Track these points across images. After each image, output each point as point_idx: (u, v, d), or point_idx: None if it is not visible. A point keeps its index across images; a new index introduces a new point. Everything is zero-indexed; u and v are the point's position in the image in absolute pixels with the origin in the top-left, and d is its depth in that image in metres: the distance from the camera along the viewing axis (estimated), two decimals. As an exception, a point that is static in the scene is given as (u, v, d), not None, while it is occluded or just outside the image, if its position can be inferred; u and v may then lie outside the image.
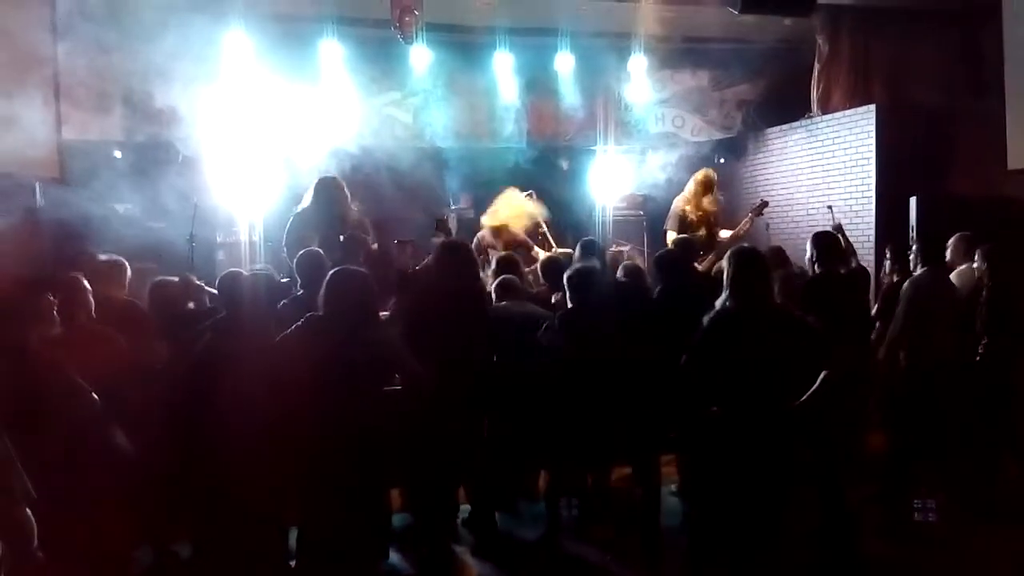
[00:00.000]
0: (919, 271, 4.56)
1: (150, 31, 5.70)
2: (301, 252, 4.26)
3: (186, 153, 6.37)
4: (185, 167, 6.35)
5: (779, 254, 5.29)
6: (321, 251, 4.30)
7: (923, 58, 7.37)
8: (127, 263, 3.93)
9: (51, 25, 5.05)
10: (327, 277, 3.19)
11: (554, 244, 6.82)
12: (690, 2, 6.68)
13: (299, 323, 3.18)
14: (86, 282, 3.39)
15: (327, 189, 5.39)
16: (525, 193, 6.70)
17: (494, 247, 6.35)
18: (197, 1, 6.16)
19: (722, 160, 8.80)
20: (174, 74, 5.95)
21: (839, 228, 5.66)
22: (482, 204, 7.89)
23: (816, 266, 4.45)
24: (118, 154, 6.15)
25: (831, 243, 4.54)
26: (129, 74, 6.09)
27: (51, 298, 2.97)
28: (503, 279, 4.35)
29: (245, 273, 3.71)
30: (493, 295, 4.41)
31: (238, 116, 6.60)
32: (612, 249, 8.30)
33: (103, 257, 3.87)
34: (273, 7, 6.61)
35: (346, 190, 5.49)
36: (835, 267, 4.51)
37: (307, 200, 5.45)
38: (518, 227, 6.46)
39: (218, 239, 6.84)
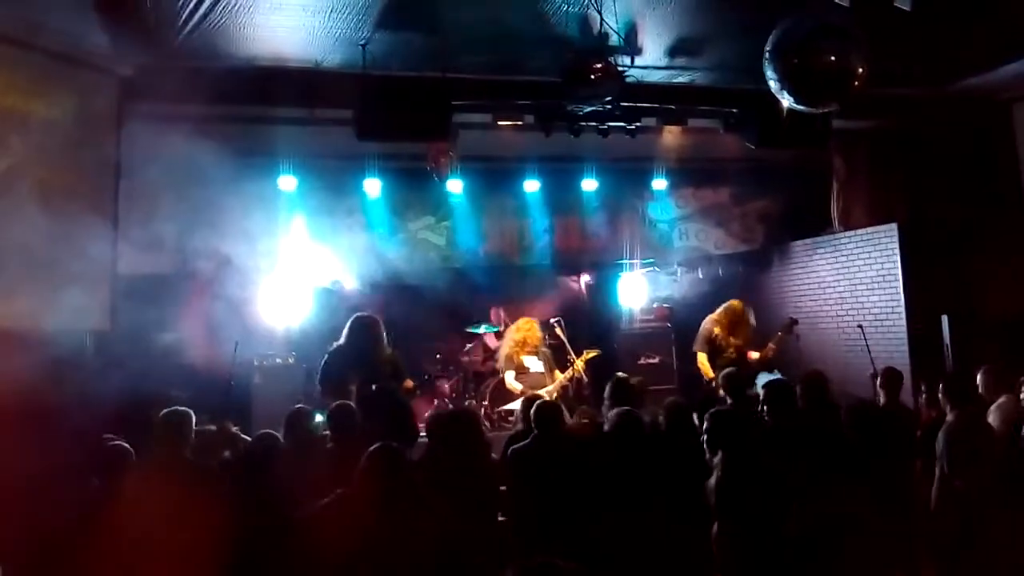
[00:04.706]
0: (949, 416, 4.50)
1: (203, 172, 6.08)
2: (335, 404, 4.30)
3: (231, 287, 6.62)
4: (229, 298, 6.59)
5: (818, 379, 5.27)
6: (353, 406, 4.34)
7: (941, 175, 7.54)
8: (190, 413, 3.93)
9: (115, 179, 5.39)
10: (366, 456, 3.13)
11: (573, 353, 7.00)
12: (708, 133, 6.98)
13: (330, 501, 3.16)
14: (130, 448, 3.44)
15: (363, 328, 5.50)
16: (553, 320, 6.91)
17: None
18: (249, 145, 6.61)
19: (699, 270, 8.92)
20: (223, 212, 6.31)
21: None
22: (512, 318, 8.10)
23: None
24: (166, 289, 6.41)
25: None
26: (180, 212, 6.45)
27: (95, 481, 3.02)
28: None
29: (278, 438, 3.78)
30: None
31: (282, 249, 6.92)
32: (642, 361, 8.38)
33: (164, 413, 3.87)
34: (318, 148, 7.04)
35: (381, 327, 5.58)
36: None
37: (343, 337, 5.57)
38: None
39: (255, 363, 7.00)
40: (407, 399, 4.98)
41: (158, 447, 3.69)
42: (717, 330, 6.71)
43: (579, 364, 6.92)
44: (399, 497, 3.06)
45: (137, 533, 3.04)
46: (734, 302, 6.89)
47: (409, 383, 5.42)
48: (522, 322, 7.15)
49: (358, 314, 5.74)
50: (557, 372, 7.03)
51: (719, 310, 6.86)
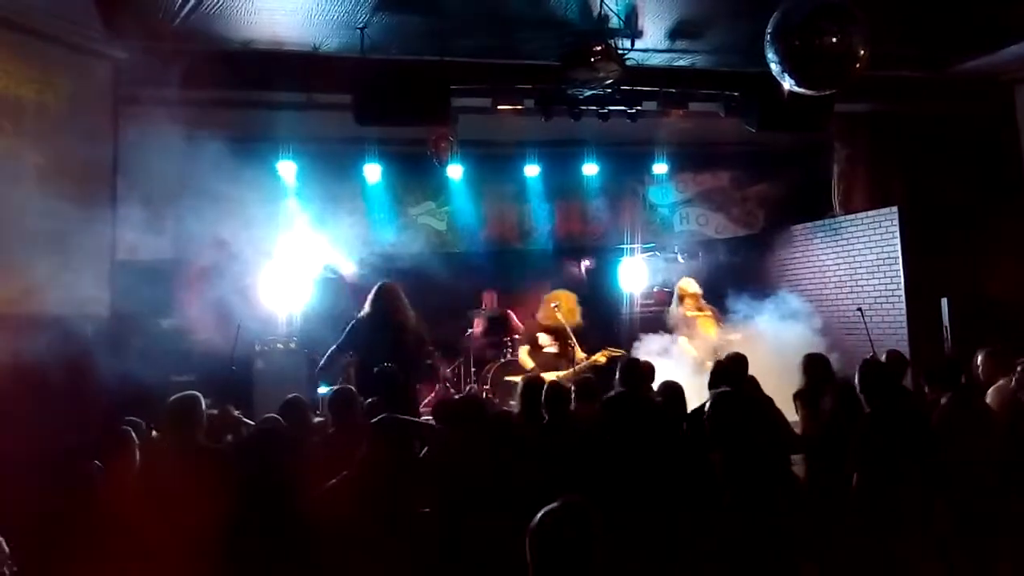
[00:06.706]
0: (944, 399, 4.47)
1: (201, 158, 6.06)
2: (335, 390, 4.29)
3: (231, 270, 6.62)
4: (229, 284, 6.58)
5: (821, 363, 5.23)
6: (353, 390, 4.34)
7: (942, 159, 7.52)
8: (200, 397, 3.78)
9: (112, 164, 5.36)
10: (372, 430, 3.17)
11: (577, 347, 6.96)
12: (709, 117, 6.94)
13: (337, 481, 3.19)
14: (136, 436, 3.43)
15: (387, 293, 5.53)
16: (553, 304, 6.90)
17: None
18: (248, 130, 6.57)
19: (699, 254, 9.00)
20: (222, 197, 6.28)
21: None
22: (512, 304, 8.12)
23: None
24: (166, 274, 6.40)
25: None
26: (179, 198, 6.43)
27: (97, 464, 3.02)
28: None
29: (282, 422, 3.79)
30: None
31: (282, 234, 6.92)
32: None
33: (175, 397, 3.75)
34: (317, 132, 7.01)
35: (403, 295, 5.61)
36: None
37: (368, 305, 5.58)
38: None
39: (257, 347, 7.01)
40: (402, 381, 4.91)
41: (170, 431, 3.67)
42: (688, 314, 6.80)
43: (601, 357, 6.75)
44: (405, 469, 3.08)
45: (145, 517, 3.03)
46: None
47: (431, 350, 5.54)
48: (561, 292, 7.05)
49: (382, 281, 5.75)
50: (579, 351, 6.80)
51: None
